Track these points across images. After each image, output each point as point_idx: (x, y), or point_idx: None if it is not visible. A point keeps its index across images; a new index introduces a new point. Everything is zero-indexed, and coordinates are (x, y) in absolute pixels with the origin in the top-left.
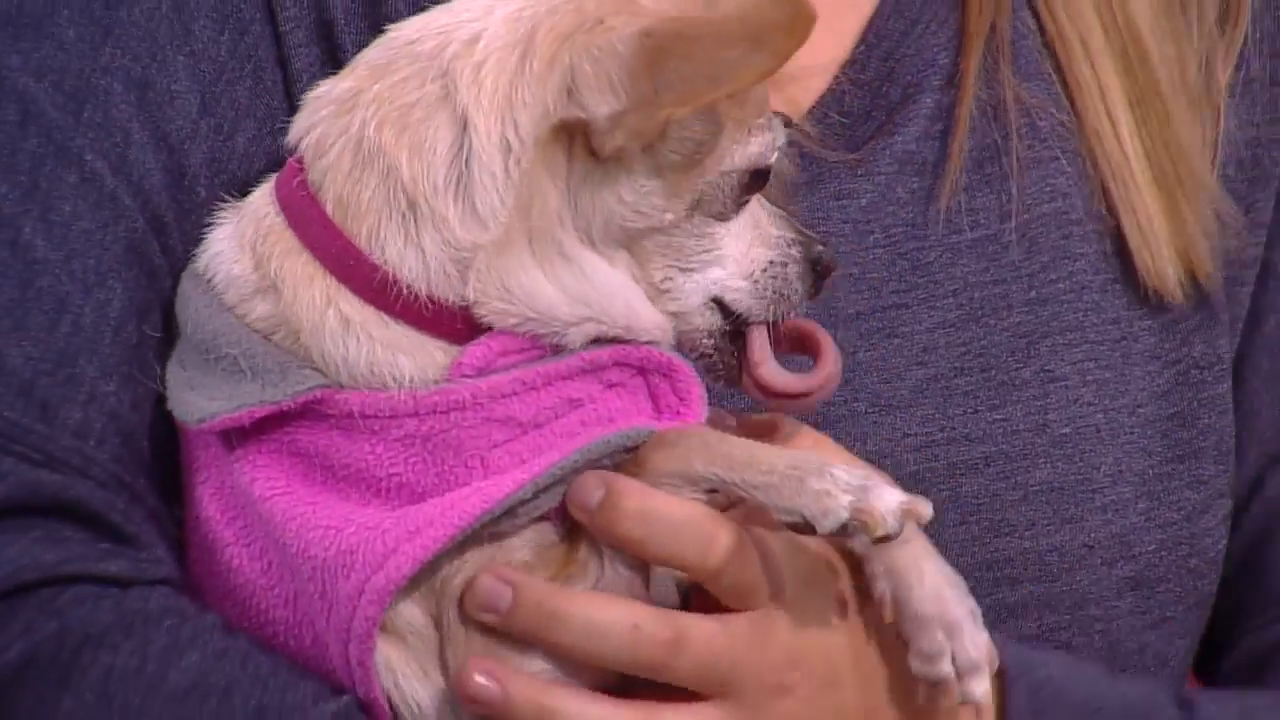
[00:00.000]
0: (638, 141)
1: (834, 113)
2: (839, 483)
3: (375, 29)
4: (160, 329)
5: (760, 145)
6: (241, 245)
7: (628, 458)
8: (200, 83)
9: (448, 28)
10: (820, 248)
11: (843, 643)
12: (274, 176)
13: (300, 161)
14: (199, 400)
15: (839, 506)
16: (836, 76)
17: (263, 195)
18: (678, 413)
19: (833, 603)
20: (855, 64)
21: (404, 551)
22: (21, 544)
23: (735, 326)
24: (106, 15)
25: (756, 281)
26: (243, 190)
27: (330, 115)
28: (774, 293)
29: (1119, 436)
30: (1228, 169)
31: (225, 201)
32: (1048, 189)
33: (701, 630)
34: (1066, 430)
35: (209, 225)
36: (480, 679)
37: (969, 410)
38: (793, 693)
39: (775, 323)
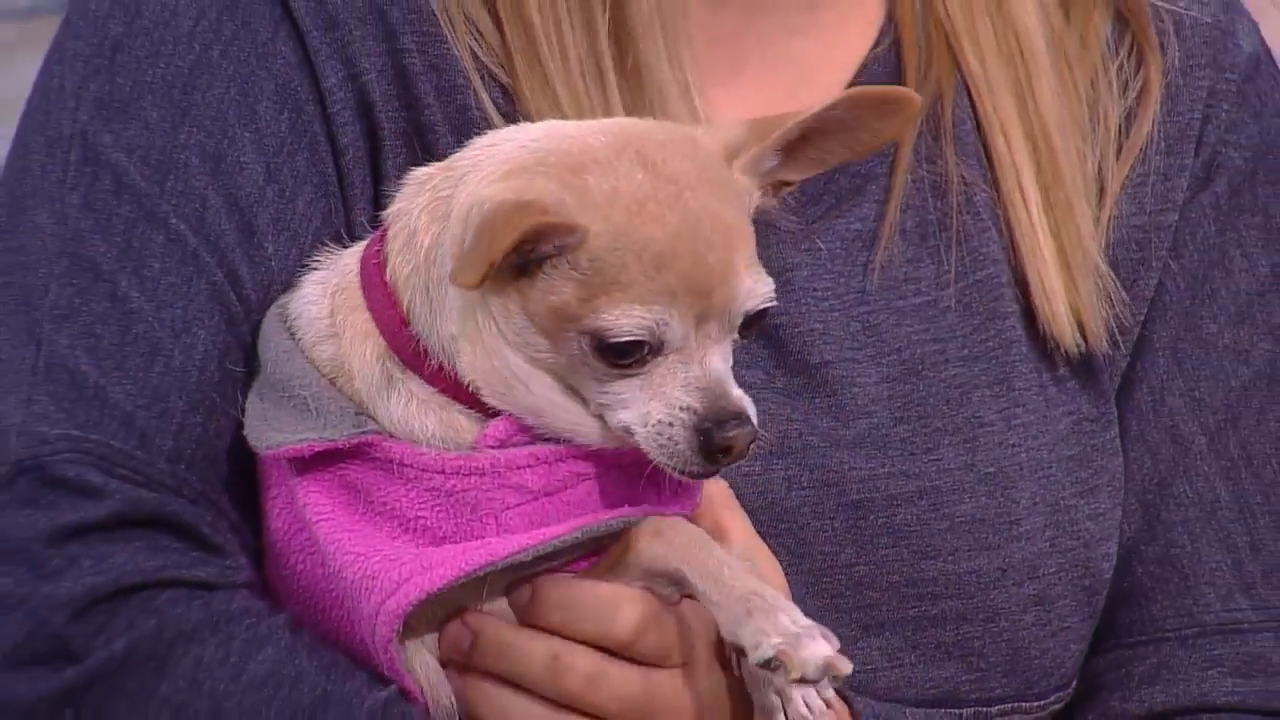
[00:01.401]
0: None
1: (790, 194)
2: (778, 626)
3: (408, 108)
4: (242, 365)
5: (609, 322)
6: (324, 292)
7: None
8: (265, 155)
9: (496, 141)
10: (712, 425)
11: (725, 694)
12: (372, 235)
13: (385, 229)
14: (269, 431)
15: (768, 645)
16: None
17: (354, 251)
18: (675, 494)
19: (717, 660)
20: None
21: (415, 582)
22: (126, 552)
23: None
24: (184, 99)
25: (647, 431)
26: (301, 245)
27: (410, 193)
28: (660, 447)
29: (1038, 473)
30: (1118, 249)
31: (289, 256)
32: (980, 257)
33: (621, 672)
34: (991, 469)
35: (278, 274)
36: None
37: (906, 452)
38: None
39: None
